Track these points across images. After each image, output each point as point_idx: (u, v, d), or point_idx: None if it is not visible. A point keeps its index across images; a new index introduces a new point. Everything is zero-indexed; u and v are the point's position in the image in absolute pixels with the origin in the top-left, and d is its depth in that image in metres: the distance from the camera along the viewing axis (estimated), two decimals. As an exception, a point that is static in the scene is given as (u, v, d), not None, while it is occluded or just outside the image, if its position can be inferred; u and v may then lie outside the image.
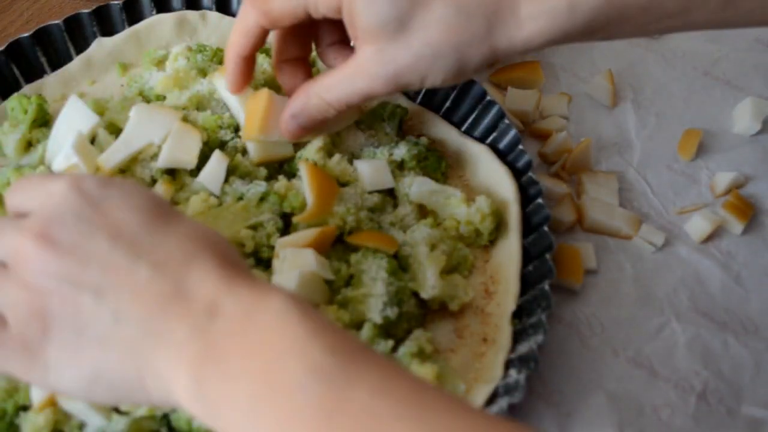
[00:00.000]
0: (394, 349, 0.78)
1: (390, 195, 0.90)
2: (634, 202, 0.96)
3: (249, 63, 0.86)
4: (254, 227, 0.83)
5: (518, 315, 0.83)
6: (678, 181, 0.98)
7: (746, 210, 0.94)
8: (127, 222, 0.61)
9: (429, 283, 0.81)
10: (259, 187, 0.85)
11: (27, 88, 0.96)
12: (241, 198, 0.85)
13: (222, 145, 0.90)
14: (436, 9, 0.73)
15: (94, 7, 0.99)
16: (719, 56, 1.09)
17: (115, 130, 0.90)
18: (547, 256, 0.83)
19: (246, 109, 0.88)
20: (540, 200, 0.87)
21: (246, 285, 0.60)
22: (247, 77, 0.87)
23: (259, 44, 0.83)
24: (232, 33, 0.84)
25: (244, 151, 0.91)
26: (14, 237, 0.62)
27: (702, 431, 0.80)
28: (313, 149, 0.89)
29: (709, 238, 0.93)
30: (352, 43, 0.82)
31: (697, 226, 0.93)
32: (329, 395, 0.53)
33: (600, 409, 0.81)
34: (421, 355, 0.79)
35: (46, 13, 1.09)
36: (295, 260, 0.80)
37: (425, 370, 0.77)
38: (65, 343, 0.60)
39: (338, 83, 0.80)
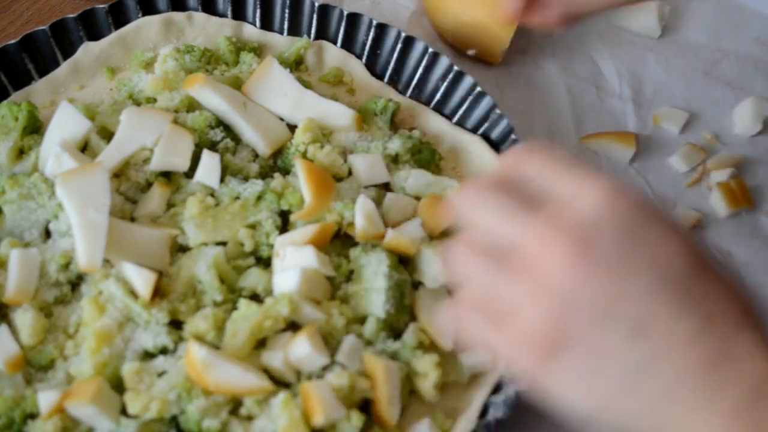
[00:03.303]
0: (396, 338, 0.80)
1: (385, 189, 0.90)
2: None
3: None
4: (253, 226, 0.84)
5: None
6: (678, 181, 0.99)
7: (739, 198, 0.96)
8: (672, 262, 0.52)
9: (433, 272, 0.81)
10: (256, 186, 0.85)
11: (15, 96, 0.95)
12: (238, 198, 0.85)
13: (213, 146, 0.89)
14: None
15: (82, 10, 0.98)
16: (719, 56, 1.09)
17: (107, 135, 0.90)
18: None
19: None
20: (535, 188, 0.88)
21: None
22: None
23: None
24: None
25: (234, 151, 0.91)
26: (538, 227, 0.53)
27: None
28: (303, 138, 0.89)
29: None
30: None
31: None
32: None
33: None
34: (422, 347, 0.79)
35: (46, 13, 1.07)
36: (296, 258, 0.80)
37: (427, 361, 0.77)
38: (578, 368, 0.53)
39: None
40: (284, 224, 0.85)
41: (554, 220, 0.53)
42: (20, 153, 0.90)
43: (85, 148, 0.89)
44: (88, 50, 0.98)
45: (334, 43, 1.02)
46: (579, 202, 0.53)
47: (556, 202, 0.54)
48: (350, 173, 0.89)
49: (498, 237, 0.55)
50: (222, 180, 0.86)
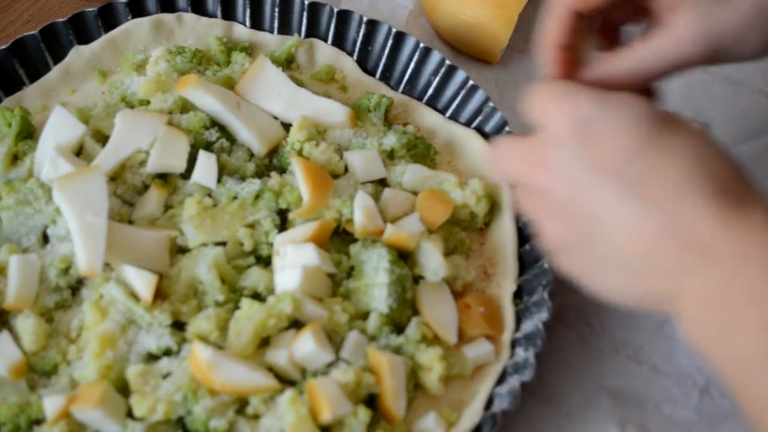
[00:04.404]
0: (399, 333, 0.80)
1: (382, 184, 0.90)
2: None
3: (567, 53, 0.79)
4: (252, 225, 0.84)
5: (518, 295, 0.84)
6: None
7: None
8: (618, 149, 0.62)
9: (434, 266, 0.82)
10: (254, 185, 0.85)
11: (7, 101, 0.95)
12: (235, 197, 0.85)
13: (208, 146, 0.89)
14: None
15: (72, 14, 0.97)
16: None
17: (102, 138, 0.89)
18: (544, 234, 0.84)
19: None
20: (531, 180, 0.88)
21: (742, 223, 0.58)
22: (570, 67, 0.79)
23: (573, 31, 0.78)
24: (545, 23, 0.78)
25: (230, 151, 0.91)
26: (519, 159, 0.70)
27: (706, 424, 0.82)
28: (298, 136, 0.89)
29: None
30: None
31: None
32: None
33: (601, 407, 0.82)
34: (426, 341, 0.80)
35: (46, 14, 1.07)
36: (297, 256, 0.80)
37: (431, 354, 0.78)
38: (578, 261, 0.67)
39: (647, 53, 0.74)
40: (283, 223, 0.85)
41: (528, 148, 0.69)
42: (14, 159, 0.89)
43: (80, 152, 0.89)
44: (78, 54, 0.98)
45: (325, 40, 1.02)
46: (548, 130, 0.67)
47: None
48: (346, 170, 0.90)
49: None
50: (219, 180, 0.87)
